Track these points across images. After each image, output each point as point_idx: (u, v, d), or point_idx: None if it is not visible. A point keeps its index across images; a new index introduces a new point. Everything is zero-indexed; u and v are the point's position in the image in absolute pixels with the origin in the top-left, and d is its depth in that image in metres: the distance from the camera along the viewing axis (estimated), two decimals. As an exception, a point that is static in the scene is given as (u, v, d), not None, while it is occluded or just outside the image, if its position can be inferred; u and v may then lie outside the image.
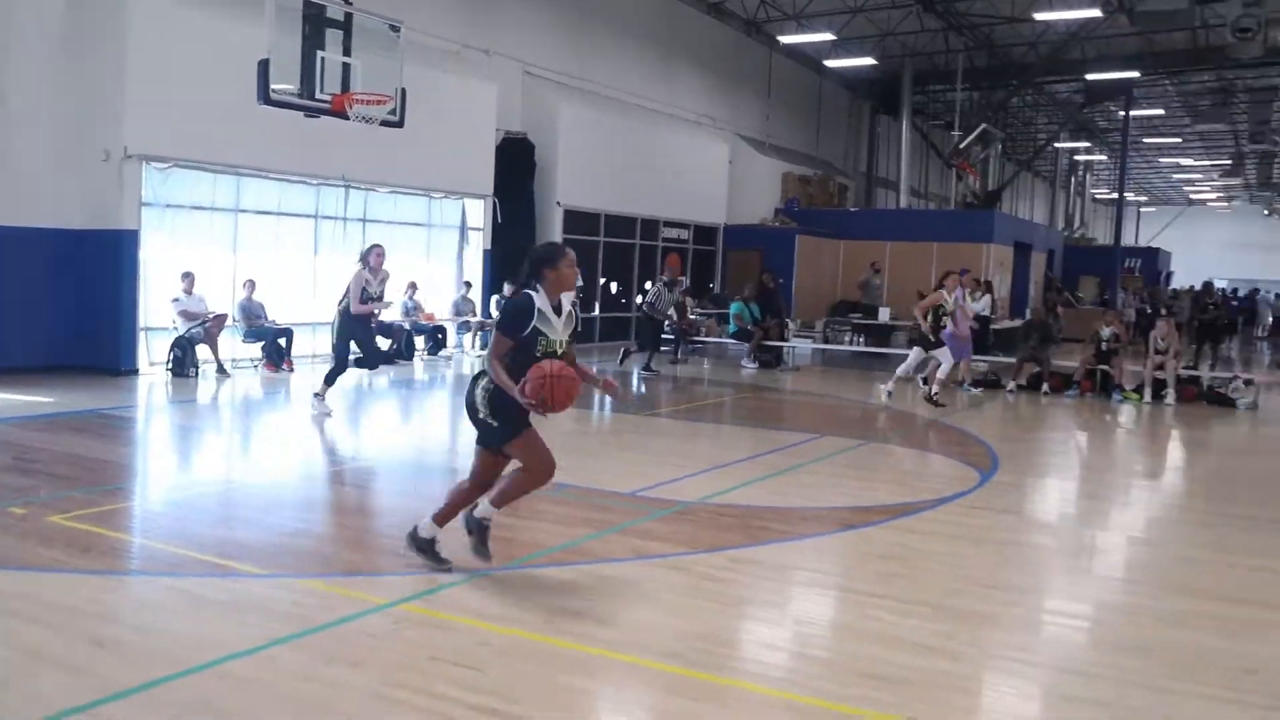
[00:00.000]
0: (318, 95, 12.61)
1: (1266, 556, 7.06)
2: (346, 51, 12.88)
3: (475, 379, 5.51)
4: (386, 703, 4.08)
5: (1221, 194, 61.49)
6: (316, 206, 16.42)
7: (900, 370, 14.29)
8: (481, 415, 5.43)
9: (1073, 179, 48.66)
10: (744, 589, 5.75)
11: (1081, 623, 5.61)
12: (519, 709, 4.04)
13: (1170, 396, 15.33)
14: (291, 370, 14.97)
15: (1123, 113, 34.13)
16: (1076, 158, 47.33)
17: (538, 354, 5.33)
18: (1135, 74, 29.27)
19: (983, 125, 29.22)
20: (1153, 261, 42.49)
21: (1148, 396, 15.45)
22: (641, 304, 18.39)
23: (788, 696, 4.32)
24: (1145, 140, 43.68)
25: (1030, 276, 29.16)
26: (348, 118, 13.05)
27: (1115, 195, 37.75)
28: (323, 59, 12.56)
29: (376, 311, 11.39)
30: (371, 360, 11.52)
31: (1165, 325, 16.12)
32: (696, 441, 10.80)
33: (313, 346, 16.36)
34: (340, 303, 11.05)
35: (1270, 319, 36.74)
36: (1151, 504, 9.16)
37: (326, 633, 4.78)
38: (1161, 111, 37.58)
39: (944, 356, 13.89)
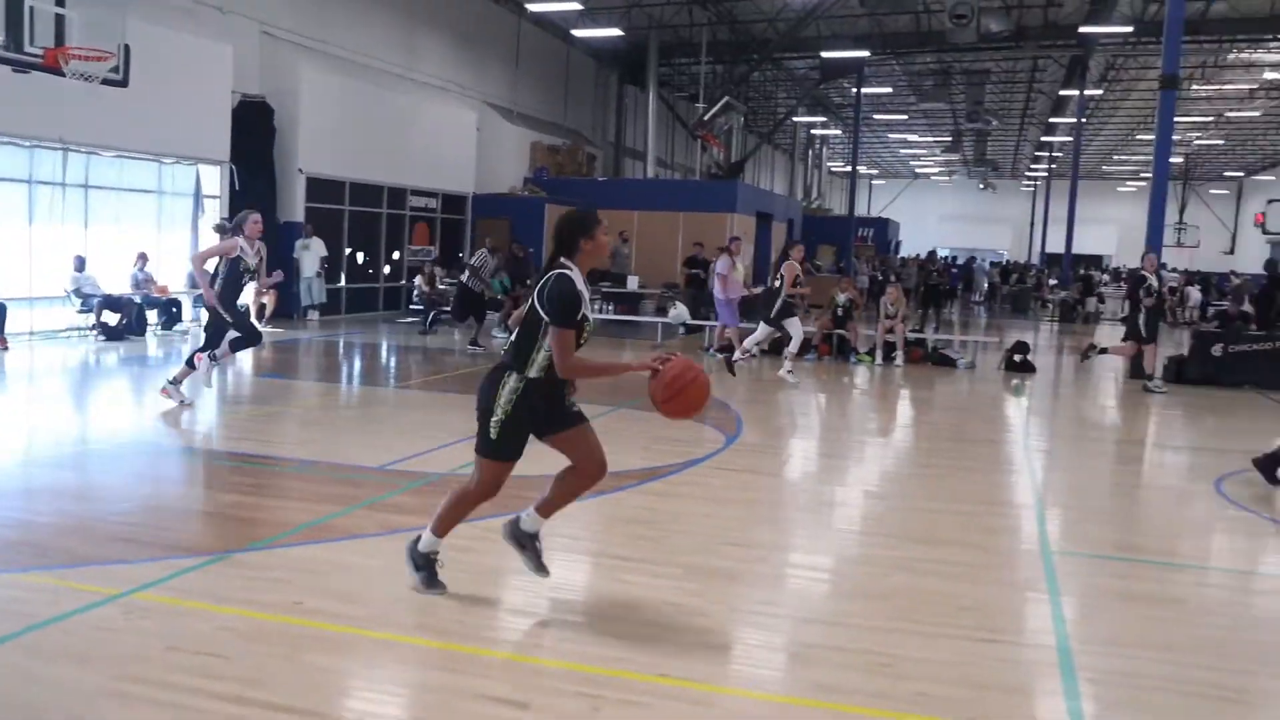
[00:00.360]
0: (27, 49, 11.62)
1: (983, 503, 7.64)
2: (60, 2, 11.91)
3: (501, 374, 4.75)
4: (118, 699, 3.84)
5: (943, 168, 65.70)
6: (30, 171, 15.17)
7: (789, 349, 14.34)
8: (494, 419, 4.73)
9: (810, 152, 50.84)
10: (497, 558, 5.73)
11: (822, 574, 5.90)
12: (267, 694, 3.89)
13: (899, 358, 16.34)
14: (6, 348, 13.80)
15: (855, 90, 35.86)
16: (814, 132, 49.45)
17: (581, 343, 4.75)
18: (866, 54, 30.78)
19: (726, 98, 30.07)
20: (883, 231, 45.00)
21: (879, 358, 16.40)
22: (464, 275, 17.14)
23: (542, 662, 4.34)
24: (876, 117, 46.12)
25: (772, 245, 30.29)
26: (63, 74, 12.09)
27: (849, 168, 39.73)
28: (31, 9, 11.57)
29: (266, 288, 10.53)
30: (215, 340, 10.24)
31: (894, 291, 17.14)
32: (448, 413, 10.66)
33: (30, 322, 15.16)
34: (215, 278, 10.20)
35: (986, 285, 39.59)
36: (885, 459, 9.71)
37: (50, 628, 4.44)
38: (889, 90, 39.73)
39: (794, 329, 14.14)
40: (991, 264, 48.23)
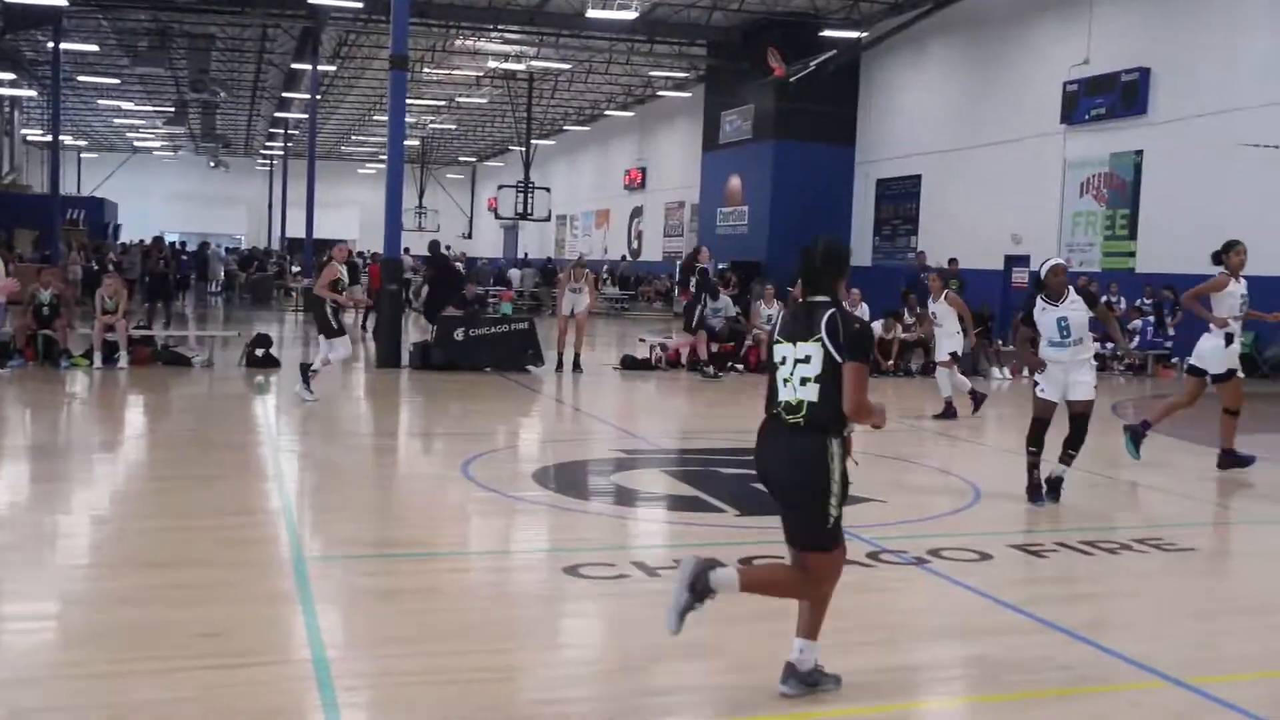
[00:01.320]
0: None
1: (228, 514, 7.56)
2: None
3: (822, 441, 4.36)
4: None
5: (167, 143, 63.91)
6: None
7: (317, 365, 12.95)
8: (834, 499, 4.34)
9: (0, 117, 46.53)
10: None
11: (34, 624, 5.40)
12: None
13: (123, 359, 15.58)
14: None
15: (53, 45, 33.52)
16: (3, 92, 45.28)
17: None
18: (64, 3, 28.80)
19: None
20: (99, 213, 42.76)
21: (99, 361, 15.49)
22: None
23: None
24: (82, 79, 43.39)
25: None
26: None
27: (50, 138, 36.95)
28: None
29: None
30: None
31: (113, 282, 16.32)
32: None
33: None
34: None
35: (223, 273, 39.29)
36: (113, 477, 9.24)
37: None
38: (97, 49, 37.58)
39: (340, 348, 12.93)
40: (228, 250, 48.01)
